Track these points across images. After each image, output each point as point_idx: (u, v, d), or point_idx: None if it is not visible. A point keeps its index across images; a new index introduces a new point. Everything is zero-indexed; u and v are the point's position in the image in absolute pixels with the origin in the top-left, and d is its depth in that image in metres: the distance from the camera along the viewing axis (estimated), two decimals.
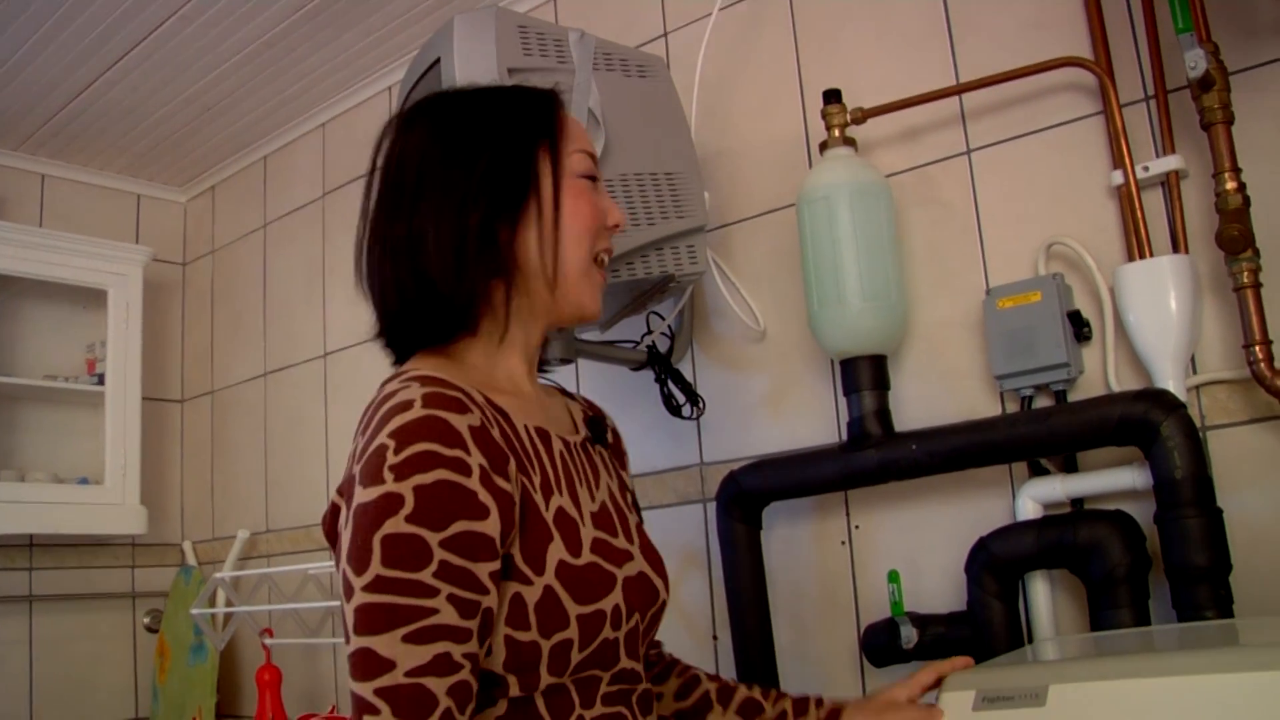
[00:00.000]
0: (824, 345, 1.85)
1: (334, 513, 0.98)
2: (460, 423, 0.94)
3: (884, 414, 1.81)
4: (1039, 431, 1.63)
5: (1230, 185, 1.56)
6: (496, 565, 0.94)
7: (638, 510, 1.22)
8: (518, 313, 1.11)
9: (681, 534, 2.20)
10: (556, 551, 0.99)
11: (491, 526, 0.93)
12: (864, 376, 1.81)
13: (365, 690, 0.87)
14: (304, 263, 3.18)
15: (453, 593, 0.89)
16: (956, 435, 1.72)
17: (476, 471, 0.93)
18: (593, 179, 1.14)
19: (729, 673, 2.01)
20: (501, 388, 1.08)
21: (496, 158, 1.08)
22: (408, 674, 0.87)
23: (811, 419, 2.04)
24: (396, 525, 0.89)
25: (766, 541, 1.99)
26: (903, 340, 1.90)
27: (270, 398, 3.24)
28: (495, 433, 0.98)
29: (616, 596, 1.02)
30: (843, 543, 1.97)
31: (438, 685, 0.88)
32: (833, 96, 1.91)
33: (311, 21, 2.67)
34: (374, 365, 1.14)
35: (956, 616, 1.72)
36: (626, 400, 2.28)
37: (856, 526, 1.96)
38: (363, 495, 0.91)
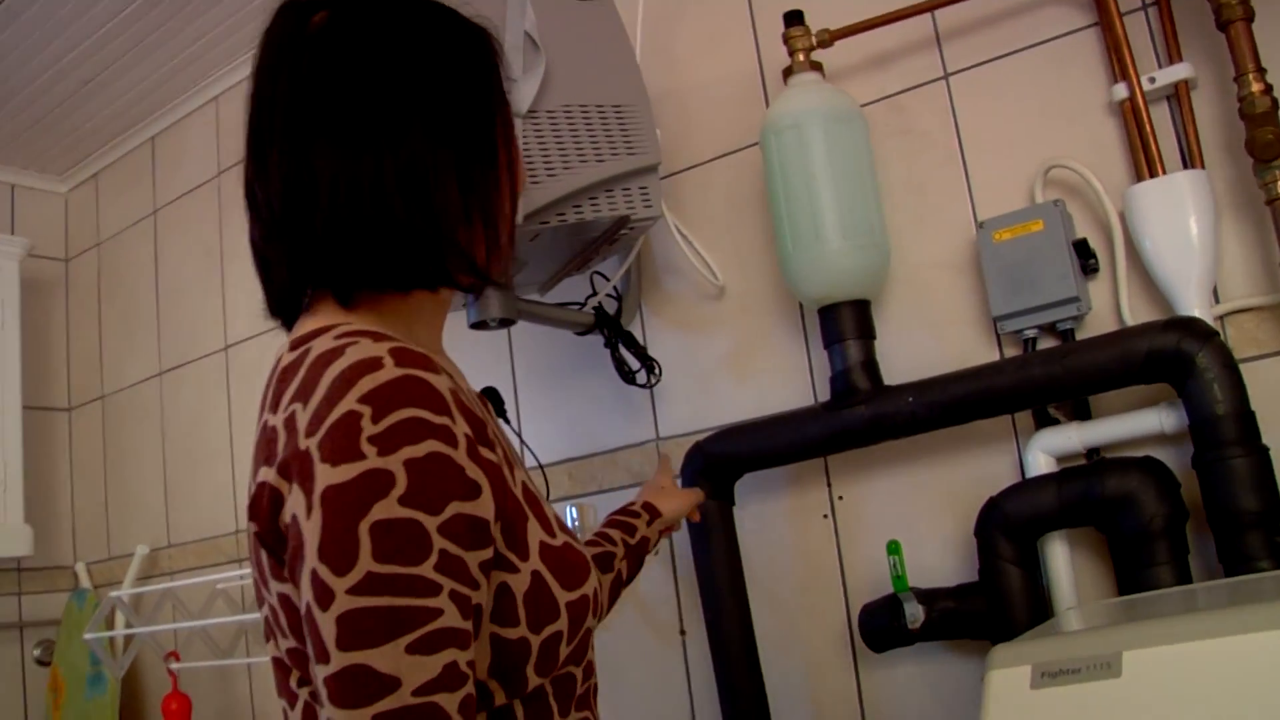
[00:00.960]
0: (800, 292, 1.64)
1: (272, 499, 0.75)
2: (440, 384, 0.76)
3: (872, 365, 1.60)
4: (1055, 372, 1.43)
5: (1256, 87, 1.39)
6: (489, 554, 0.76)
7: None
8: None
9: None
10: (535, 532, 0.83)
11: (484, 507, 0.76)
12: (847, 324, 1.60)
13: (359, 718, 0.67)
14: (199, 248, 2.88)
15: (454, 589, 0.71)
16: (959, 383, 1.51)
17: (463, 443, 0.75)
18: None
19: (704, 669, 1.79)
20: (424, 346, 0.89)
21: (485, 94, 0.93)
22: (416, 692, 0.68)
23: (781, 381, 1.83)
24: (389, 509, 0.70)
25: (737, 520, 1.77)
26: (883, 286, 1.70)
27: (167, 399, 2.93)
28: (464, 397, 0.80)
29: (594, 578, 0.86)
30: (825, 516, 1.76)
31: (449, 702, 0.70)
32: (795, 18, 1.72)
33: None
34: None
35: (967, 588, 1.52)
36: (568, 371, 2.06)
37: (840, 497, 1.75)
38: (334, 475, 0.71)
